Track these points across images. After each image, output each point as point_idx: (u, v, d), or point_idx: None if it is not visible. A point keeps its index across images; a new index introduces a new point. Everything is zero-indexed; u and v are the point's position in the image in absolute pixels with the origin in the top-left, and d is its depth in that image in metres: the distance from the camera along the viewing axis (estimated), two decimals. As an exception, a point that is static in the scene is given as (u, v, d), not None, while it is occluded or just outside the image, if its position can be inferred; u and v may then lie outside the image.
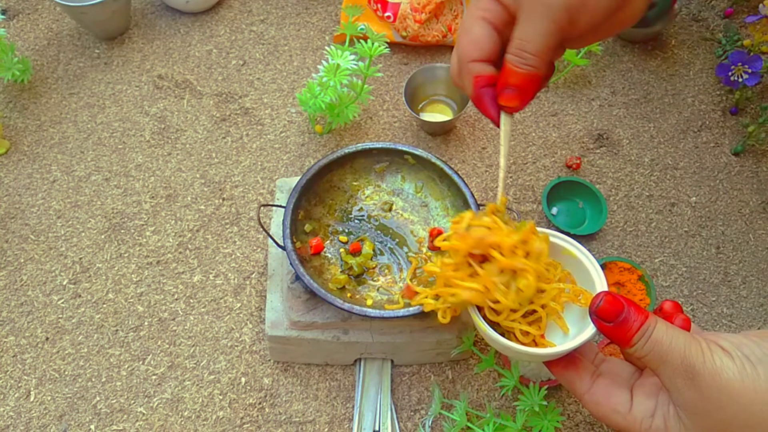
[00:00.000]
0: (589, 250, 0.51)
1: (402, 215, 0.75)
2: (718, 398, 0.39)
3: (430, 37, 0.99)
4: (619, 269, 0.80)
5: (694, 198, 0.90)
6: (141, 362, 0.77)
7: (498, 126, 0.49)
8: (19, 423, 0.74)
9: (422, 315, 0.66)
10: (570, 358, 0.48)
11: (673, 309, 0.47)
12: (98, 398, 0.75)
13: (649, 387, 0.45)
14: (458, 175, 0.71)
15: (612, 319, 0.43)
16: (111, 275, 0.83)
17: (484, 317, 0.49)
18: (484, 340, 0.78)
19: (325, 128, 0.93)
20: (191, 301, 0.81)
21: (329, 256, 0.71)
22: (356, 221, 0.74)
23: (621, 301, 0.43)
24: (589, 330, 0.46)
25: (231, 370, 0.77)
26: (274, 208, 0.79)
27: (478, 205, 0.69)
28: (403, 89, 0.92)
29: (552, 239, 0.51)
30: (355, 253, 0.71)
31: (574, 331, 0.50)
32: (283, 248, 0.67)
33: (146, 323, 0.80)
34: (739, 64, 0.90)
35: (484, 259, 0.48)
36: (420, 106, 0.96)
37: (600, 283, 0.49)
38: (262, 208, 0.84)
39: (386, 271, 0.71)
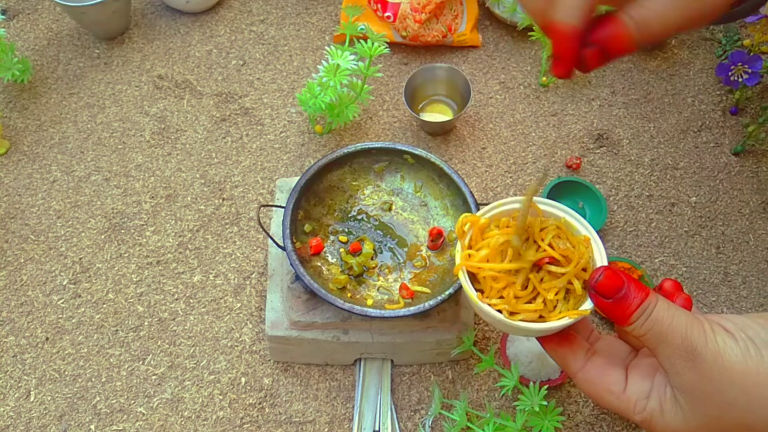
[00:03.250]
0: (596, 231, 0.49)
1: (402, 215, 0.75)
2: (719, 381, 0.38)
3: (430, 37, 0.99)
4: (619, 269, 0.79)
5: (694, 198, 0.89)
6: (141, 362, 0.77)
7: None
8: (19, 423, 0.74)
9: (422, 315, 0.66)
10: (564, 335, 0.46)
11: (673, 288, 0.45)
12: (98, 398, 0.75)
13: (644, 367, 0.44)
14: (457, 174, 0.71)
15: (611, 295, 0.41)
16: (111, 275, 0.83)
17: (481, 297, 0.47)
18: (483, 341, 0.78)
19: (325, 128, 0.93)
20: (191, 301, 0.81)
21: (329, 256, 0.71)
22: (356, 221, 0.74)
23: (621, 276, 0.42)
24: (586, 306, 0.45)
25: (231, 370, 0.77)
26: (274, 208, 0.79)
27: (477, 205, 0.69)
28: (403, 89, 0.92)
29: (568, 218, 0.49)
30: (355, 253, 0.71)
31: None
32: (283, 248, 0.67)
33: (146, 323, 0.80)
34: (739, 64, 0.90)
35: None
36: (420, 106, 0.96)
37: (600, 258, 0.47)
38: (262, 208, 0.84)
39: (386, 270, 0.71)
